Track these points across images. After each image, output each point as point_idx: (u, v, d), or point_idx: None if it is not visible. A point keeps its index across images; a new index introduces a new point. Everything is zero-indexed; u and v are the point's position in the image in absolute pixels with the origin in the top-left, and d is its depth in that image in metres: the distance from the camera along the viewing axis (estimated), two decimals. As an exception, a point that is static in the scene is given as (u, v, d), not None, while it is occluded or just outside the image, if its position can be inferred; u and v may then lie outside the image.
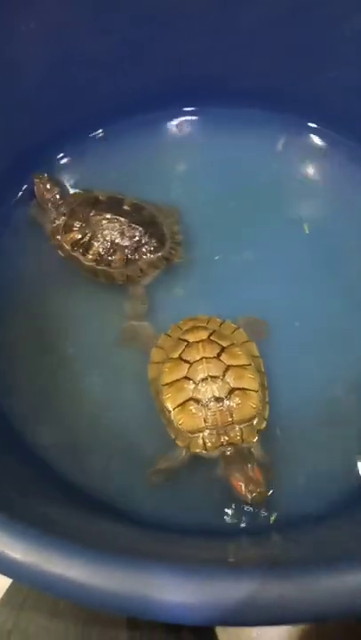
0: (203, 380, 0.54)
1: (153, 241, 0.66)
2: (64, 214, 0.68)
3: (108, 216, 0.65)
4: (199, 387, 0.54)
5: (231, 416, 0.54)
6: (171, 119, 0.81)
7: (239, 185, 0.75)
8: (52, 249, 0.68)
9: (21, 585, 0.49)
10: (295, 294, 0.67)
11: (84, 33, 0.68)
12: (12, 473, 0.52)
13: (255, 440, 0.54)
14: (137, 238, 0.65)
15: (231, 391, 0.54)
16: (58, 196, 0.70)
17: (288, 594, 0.33)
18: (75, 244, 0.66)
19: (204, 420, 0.53)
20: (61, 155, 0.78)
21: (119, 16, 0.68)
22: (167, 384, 0.56)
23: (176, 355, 0.57)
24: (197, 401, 0.54)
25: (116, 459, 0.58)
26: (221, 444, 0.53)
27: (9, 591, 0.50)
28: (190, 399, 0.54)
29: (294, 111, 0.79)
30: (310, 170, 0.78)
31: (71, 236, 0.66)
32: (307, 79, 0.74)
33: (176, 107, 0.80)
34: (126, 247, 0.65)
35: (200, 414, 0.53)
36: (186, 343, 0.58)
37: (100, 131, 0.79)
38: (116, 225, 0.65)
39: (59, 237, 0.67)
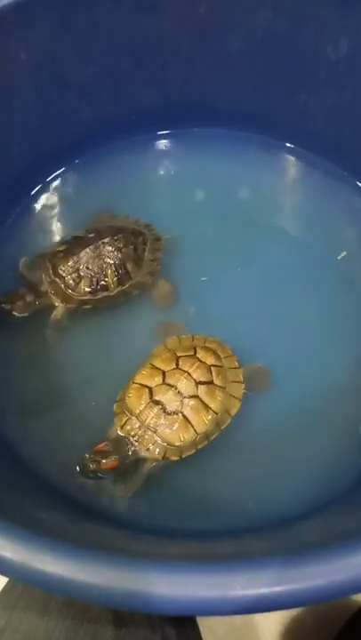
0: (171, 386, 0.56)
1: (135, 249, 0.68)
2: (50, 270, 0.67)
3: (88, 250, 0.66)
4: (163, 388, 0.56)
5: (157, 428, 0.56)
6: (153, 141, 0.83)
7: (221, 203, 0.78)
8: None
9: (14, 586, 0.51)
10: (281, 305, 0.70)
11: (70, 62, 0.71)
12: (0, 476, 0.54)
13: (154, 462, 0.56)
14: (118, 254, 0.66)
15: (177, 414, 0.56)
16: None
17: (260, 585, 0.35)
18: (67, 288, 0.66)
19: (141, 412, 0.56)
20: (45, 182, 0.80)
21: (102, 47, 0.71)
22: (151, 365, 0.58)
23: (177, 354, 0.59)
24: (152, 394, 0.56)
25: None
26: (132, 436, 0.56)
27: (2, 592, 0.51)
28: (150, 389, 0.57)
29: (270, 132, 0.82)
30: (289, 186, 0.82)
31: (65, 282, 0.66)
32: (280, 103, 0.77)
33: (157, 129, 0.83)
34: (114, 265, 0.66)
35: (143, 404, 0.56)
36: (193, 353, 0.60)
37: (83, 154, 0.82)
38: (94, 252, 0.66)
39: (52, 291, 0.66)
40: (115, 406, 0.59)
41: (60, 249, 0.67)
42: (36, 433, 0.63)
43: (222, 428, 0.58)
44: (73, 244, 0.67)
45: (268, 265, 0.73)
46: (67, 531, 0.45)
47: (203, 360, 0.58)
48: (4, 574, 0.38)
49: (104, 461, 0.54)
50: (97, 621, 0.48)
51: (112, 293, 0.66)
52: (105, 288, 0.66)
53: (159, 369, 0.58)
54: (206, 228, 0.76)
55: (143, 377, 0.58)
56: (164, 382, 0.57)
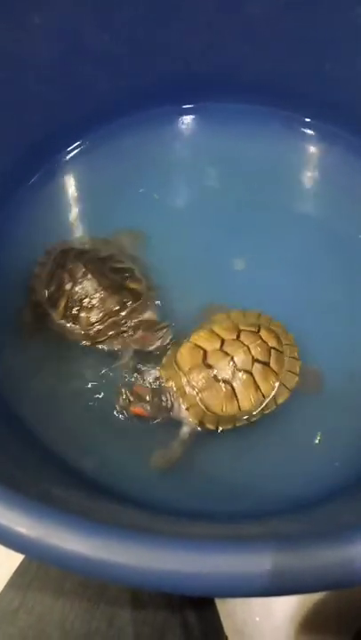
0: (227, 355, 0.55)
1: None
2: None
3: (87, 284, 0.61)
4: (220, 354, 0.55)
5: (202, 392, 0.54)
6: (173, 115, 0.80)
7: (240, 179, 0.75)
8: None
9: (28, 567, 0.49)
10: (306, 290, 0.67)
11: (87, 30, 0.68)
12: (14, 454, 0.52)
13: (190, 428, 0.55)
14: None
15: (226, 383, 0.54)
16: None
17: (291, 564, 0.33)
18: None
19: (190, 370, 0.55)
20: (62, 153, 0.77)
21: (120, 14, 0.68)
22: (211, 330, 0.57)
23: (240, 327, 0.57)
24: (206, 357, 0.55)
25: (116, 443, 0.58)
26: (176, 390, 0.55)
27: (17, 572, 0.50)
28: (205, 352, 0.55)
29: (292, 106, 0.78)
30: (310, 163, 0.78)
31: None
32: (304, 72, 0.74)
33: (178, 102, 0.80)
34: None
35: (194, 363, 0.54)
36: (256, 330, 0.57)
37: (100, 128, 0.79)
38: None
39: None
40: (163, 359, 0.58)
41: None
42: (53, 416, 0.60)
43: (265, 412, 0.56)
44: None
45: (290, 248, 0.70)
46: (85, 508, 0.43)
47: (265, 340, 0.57)
48: (20, 551, 0.35)
49: (134, 404, 0.54)
50: (114, 603, 0.46)
51: None
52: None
53: (219, 335, 0.56)
54: (225, 209, 0.73)
55: (200, 338, 0.56)
56: (221, 349, 0.55)
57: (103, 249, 0.66)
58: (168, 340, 0.59)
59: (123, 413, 0.56)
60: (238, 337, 0.56)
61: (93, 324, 0.60)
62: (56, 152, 0.76)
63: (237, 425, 0.56)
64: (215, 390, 0.54)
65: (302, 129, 0.79)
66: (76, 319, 0.60)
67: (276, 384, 0.56)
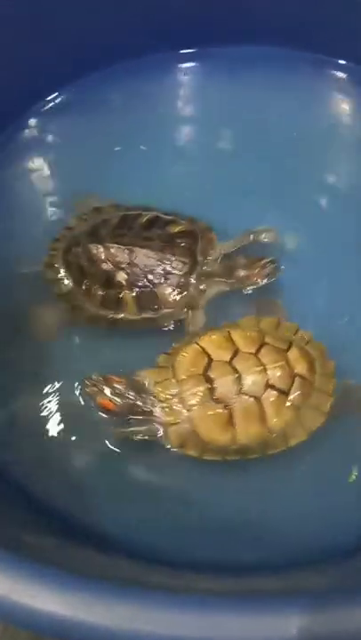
0: (235, 371, 0.55)
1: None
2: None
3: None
4: (226, 368, 0.55)
5: (192, 408, 0.54)
6: (172, 63, 0.82)
7: (257, 145, 0.76)
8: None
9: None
10: (340, 283, 0.68)
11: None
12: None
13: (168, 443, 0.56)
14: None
15: (223, 405, 0.54)
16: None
17: (321, 628, 0.33)
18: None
19: (185, 380, 0.55)
20: (55, 95, 0.80)
21: None
22: (228, 334, 0.57)
23: (265, 339, 0.57)
24: (208, 368, 0.55)
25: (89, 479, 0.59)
26: (161, 400, 0.56)
27: None
28: (210, 360, 0.56)
29: (322, 45, 0.79)
30: (343, 115, 0.79)
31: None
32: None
33: (178, 45, 0.81)
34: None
35: (192, 372, 0.55)
36: (286, 348, 0.57)
37: (82, 76, 0.81)
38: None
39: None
40: (160, 357, 0.58)
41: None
42: (24, 450, 0.61)
43: (268, 452, 0.55)
44: None
45: (322, 228, 0.70)
46: (62, 557, 0.42)
47: (291, 362, 0.55)
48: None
49: (102, 394, 0.56)
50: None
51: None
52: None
53: (234, 344, 0.56)
54: (241, 180, 0.73)
55: (211, 342, 0.56)
56: (230, 362, 0.54)
57: (106, 216, 0.67)
58: (276, 277, 0.63)
59: (91, 403, 0.57)
60: (258, 351, 0.55)
61: (177, 293, 0.63)
62: (28, 107, 0.78)
63: (227, 459, 0.54)
64: (208, 410, 0.53)
65: (334, 75, 0.80)
66: (153, 303, 0.63)
67: (292, 421, 0.54)
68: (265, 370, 0.54)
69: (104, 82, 0.80)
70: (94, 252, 0.63)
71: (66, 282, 0.65)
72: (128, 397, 0.55)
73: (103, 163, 0.75)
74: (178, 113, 0.80)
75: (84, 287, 0.64)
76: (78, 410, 0.61)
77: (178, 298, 0.63)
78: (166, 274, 0.63)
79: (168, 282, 0.63)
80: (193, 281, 0.63)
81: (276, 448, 0.54)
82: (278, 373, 0.54)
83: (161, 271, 0.62)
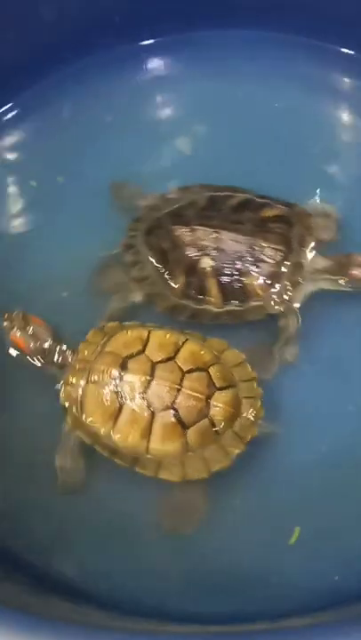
0: (148, 380, 0.52)
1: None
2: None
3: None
4: (141, 371, 0.52)
5: (89, 388, 0.54)
6: (146, 53, 0.77)
7: (245, 142, 0.71)
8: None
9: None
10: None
11: None
12: None
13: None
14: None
15: (118, 396, 0.52)
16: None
17: None
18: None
19: (106, 353, 0.54)
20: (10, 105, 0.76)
21: None
22: (181, 333, 0.56)
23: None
24: (133, 356, 0.53)
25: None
26: (78, 358, 0.56)
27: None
28: (141, 352, 0.54)
29: (317, 30, 0.74)
30: (340, 102, 0.75)
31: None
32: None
33: (150, 33, 0.76)
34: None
35: (118, 357, 0.53)
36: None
37: (48, 73, 0.76)
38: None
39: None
40: (112, 324, 0.57)
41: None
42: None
43: (135, 469, 0.53)
44: None
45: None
46: (25, 603, 0.38)
47: (211, 401, 0.53)
48: None
49: (16, 329, 0.57)
50: None
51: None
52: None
53: (177, 352, 0.54)
54: (215, 179, 0.66)
55: (158, 337, 0.54)
56: (156, 363, 0.53)
57: (193, 196, 0.63)
58: None
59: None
60: (190, 372, 0.53)
61: (269, 284, 0.58)
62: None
63: (95, 448, 0.54)
64: (102, 394, 0.53)
65: (332, 62, 0.75)
66: (240, 294, 0.58)
67: (174, 454, 0.53)
68: (179, 391, 0.52)
69: (60, 85, 0.76)
70: (178, 234, 0.60)
71: (146, 266, 0.61)
72: (43, 341, 0.57)
73: (65, 167, 0.72)
74: (154, 101, 0.76)
75: (165, 273, 0.60)
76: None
77: (269, 290, 0.58)
78: (257, 262, 0.58)
79: (258, 271, 0.58)
80: (287, 272, 0.58)
81: (144, 469, 0.54)
82: (190, 403, 0.52)
83: (251, 258, 0.58)
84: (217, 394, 0.53)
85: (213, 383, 0.53)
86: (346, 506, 0.55)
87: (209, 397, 0.52)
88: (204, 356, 0.54)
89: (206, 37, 0.76)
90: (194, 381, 0.52)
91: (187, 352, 0.54)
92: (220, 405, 0.52)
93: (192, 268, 0.59)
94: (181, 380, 0.52)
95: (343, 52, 0.75)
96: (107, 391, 0.52)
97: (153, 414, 0.52)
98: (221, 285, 0.58)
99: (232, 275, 0.58)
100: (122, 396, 0.52)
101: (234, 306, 0.59)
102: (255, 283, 0.58)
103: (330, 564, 0.53)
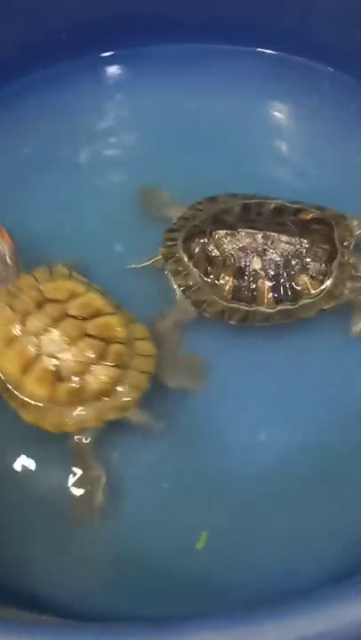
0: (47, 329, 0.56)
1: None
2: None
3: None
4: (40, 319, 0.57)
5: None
6: (97, 67, 0.79)
7: (191, 142, 0.74)
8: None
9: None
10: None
11: None
12: None
13: None
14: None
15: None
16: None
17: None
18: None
19: (25, 293, 0.59)
20: None
21: None
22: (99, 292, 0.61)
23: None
24: (51, 301, 0.58)
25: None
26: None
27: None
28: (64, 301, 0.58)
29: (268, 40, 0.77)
30: (286, 106, 0.78)
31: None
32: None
33: (100, 48, 0.78)
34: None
35: (41, 299, 0.58)
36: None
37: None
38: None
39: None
40: (43, 269, 0.62)
41: None
42: None
43: (18, 411, 0.57)
44: None
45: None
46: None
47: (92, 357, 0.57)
48: None
49: None
50: None
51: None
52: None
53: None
54: (176, 190, 0.69)
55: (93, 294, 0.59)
56: (65, 314, 0.57)
57: (223, 205, 0.65)
58: None
59: None
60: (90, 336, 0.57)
61: (319, 282, 0.61)
62: None
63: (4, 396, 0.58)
64: (7, 321, 0.57)
65: (288, 71, 0.77)
66: (292, 294, 0.61)
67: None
68: (71, 348, 0.56)
69: (17, 96, 0.77)
70: (226, 238, 0.62)
71: (191, 273, 0.63)
72: None
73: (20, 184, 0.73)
74: (100, 123, 0.78)
75: (211, 278, 0.62)
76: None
77: (320, 287, 0.61)
78: (305, 261, 0.61)
79: (308, 269, 0.61)
80: (334, 270, 0.62)
81: (10, 399, 0.57)
82: (73, 361, 0.56)
83: (300, 258, 0.61)
84: (102, 367, 0.56)
85: (106, 357, 0.57)
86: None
87: (94, 365, 0.56)
88: (117, 332, 0.58)
89: (163, 52, 0.78)
90: (89, 346, 0.56)
91: (103, 321, 0.58)
92: (99, 377, 0.56)
93: (241, 271, 0.61)
94: (79, 341, 0.56)
95: (297, 60, 0.78)
96: (13, 318, 0.57)
97: (38, 356, 0.56)
98: (273, 286, 0.60)
99: (283, 274, 0.61)
100: (22, 330, 0.57)
101: (286, 306, 0.60)
102: (306, 281, 0.60)
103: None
